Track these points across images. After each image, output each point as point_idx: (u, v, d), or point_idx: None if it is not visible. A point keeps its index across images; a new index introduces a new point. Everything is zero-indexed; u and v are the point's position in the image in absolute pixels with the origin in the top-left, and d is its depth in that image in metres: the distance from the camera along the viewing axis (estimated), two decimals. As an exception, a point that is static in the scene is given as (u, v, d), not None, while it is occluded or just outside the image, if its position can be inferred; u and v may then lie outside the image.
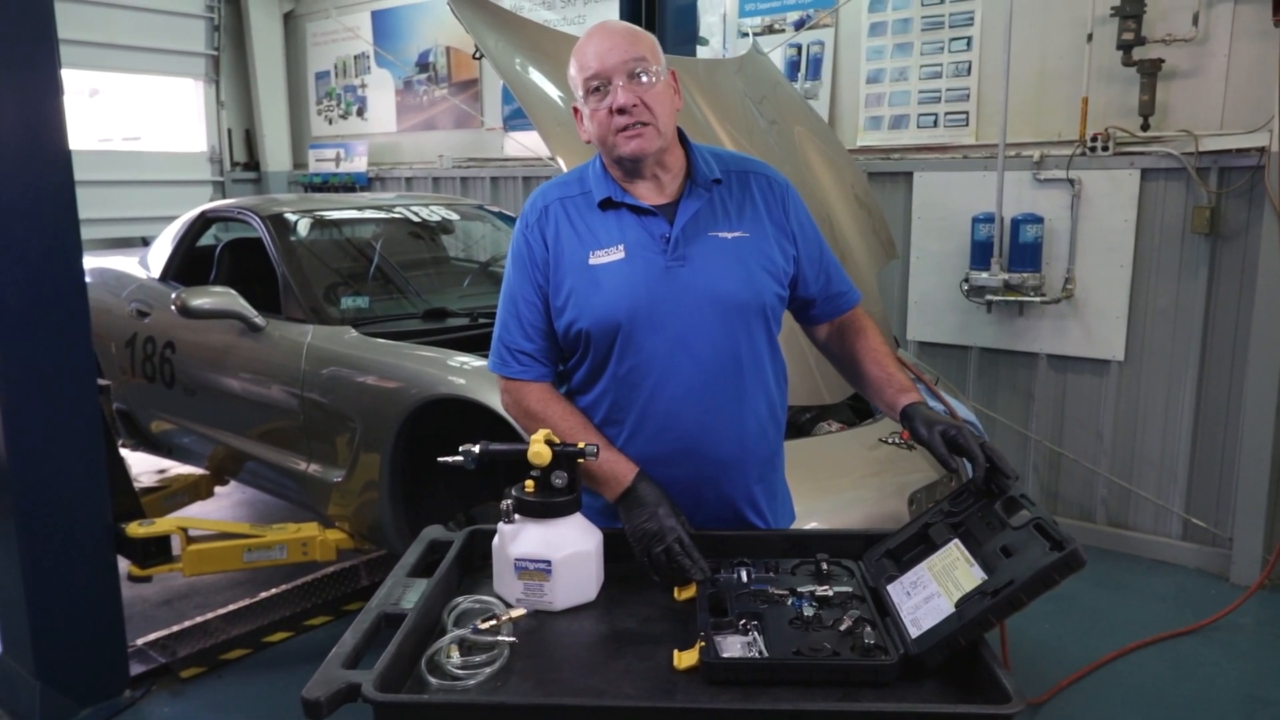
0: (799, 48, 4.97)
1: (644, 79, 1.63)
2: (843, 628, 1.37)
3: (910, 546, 1.56)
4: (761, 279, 1.70)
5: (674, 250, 1.66)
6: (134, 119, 7.45)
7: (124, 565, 3.26)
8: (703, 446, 1.70)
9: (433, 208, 4.64)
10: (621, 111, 1.62)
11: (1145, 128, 3.93)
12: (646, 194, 1.71)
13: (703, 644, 1.30)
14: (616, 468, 1.65)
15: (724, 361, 1.68)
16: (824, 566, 1.57)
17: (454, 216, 4.65)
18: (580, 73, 1.66)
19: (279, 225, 3.87)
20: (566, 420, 1.69)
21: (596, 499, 1.75)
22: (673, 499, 1.63)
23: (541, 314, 1.73)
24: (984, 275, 4.27)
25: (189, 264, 4.33)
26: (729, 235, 1.70)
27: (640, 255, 1.67)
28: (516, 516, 1.53)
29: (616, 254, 1.67)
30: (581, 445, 1.55)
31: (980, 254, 4.30)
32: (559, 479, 1.53)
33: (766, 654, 1.31)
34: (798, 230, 1.78)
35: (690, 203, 1.70)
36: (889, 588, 1.47)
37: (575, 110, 1.73)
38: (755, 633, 1.35)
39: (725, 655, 1.30)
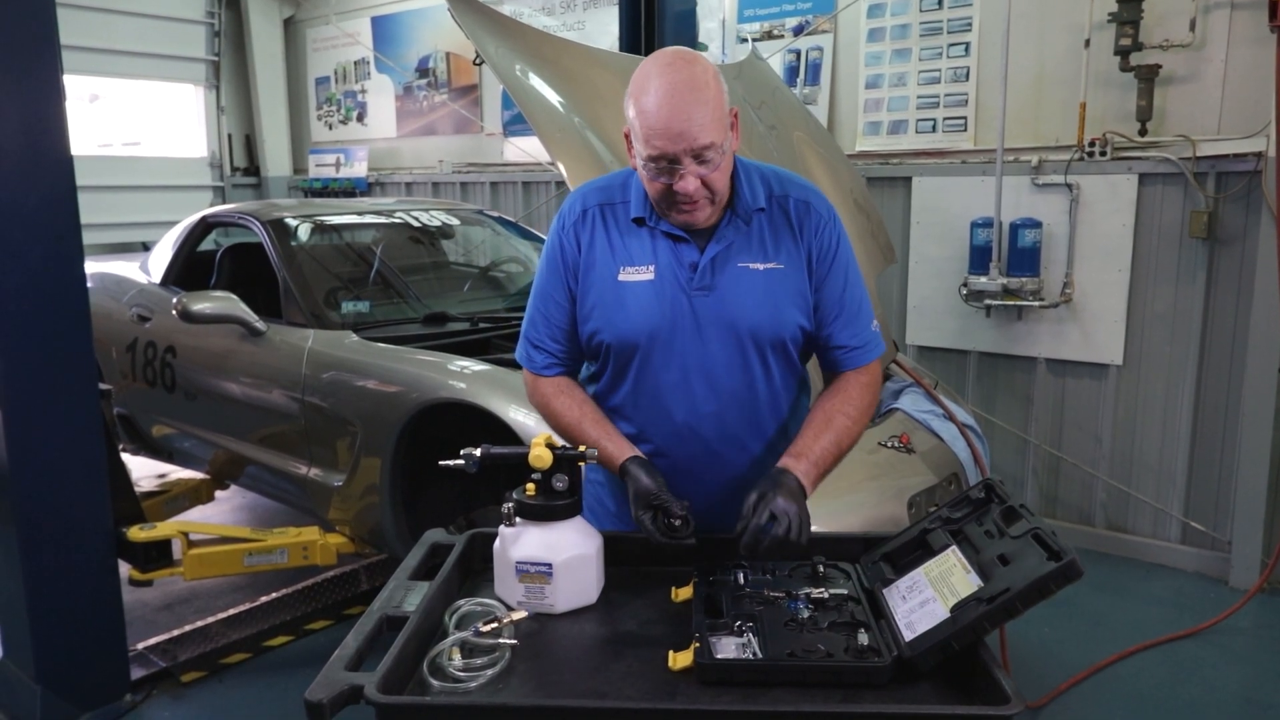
0: (798, 53, 4.99)
1: (710, 160, 1.54)
2: (837, 630, 1.37)
3: (908, 551, 1.57)
4: (788, 313, 1.67)
5: (700, 279, 1.65)
6: (134, 124, 7.46)
7: (125, 569, 3.26)
8: (713, 468, 1.72)
9: (433, 213, 4.66)
10: (683, 194, 1.56)
11: (1143, 133, 3.94)
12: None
13: (697, 645, 1.31)
14: (618, 450, 1.66)
15: (740, 393, 1.68)
16: (820, 569, 1.57)
17: (454, 221, 4.67)
18: (643, 145, 1.55)
19: (279, 230, 3.88)
20: (571, 411, 1.72)
21: (600, 504, 1.77)
22: (664, 479, 1.62)
23: (568, 315, 1.73)
24: (983, 280, 4.28)
25: (190, 269, 4.34)
26: (761, 267, 1.66)
27: (668, 279, 1.65)
28: (517, 520, 1.54)
29: (646, 274, 1.66)
30: (582, 449, 1.56)
31: (979, 258, 4.31)
32: (560, 482, 1.54)
33: (760, 655, 1.32)
34: (817, 265, 1.69)
35: (726, 232, 1.65)
36: (885, 591, 1.48)
37: (627, 135, 1.62)
38: (750, 634, 1.36)
39: (719, 656, 1.31)
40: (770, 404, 1.72)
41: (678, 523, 1.53)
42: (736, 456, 1.72)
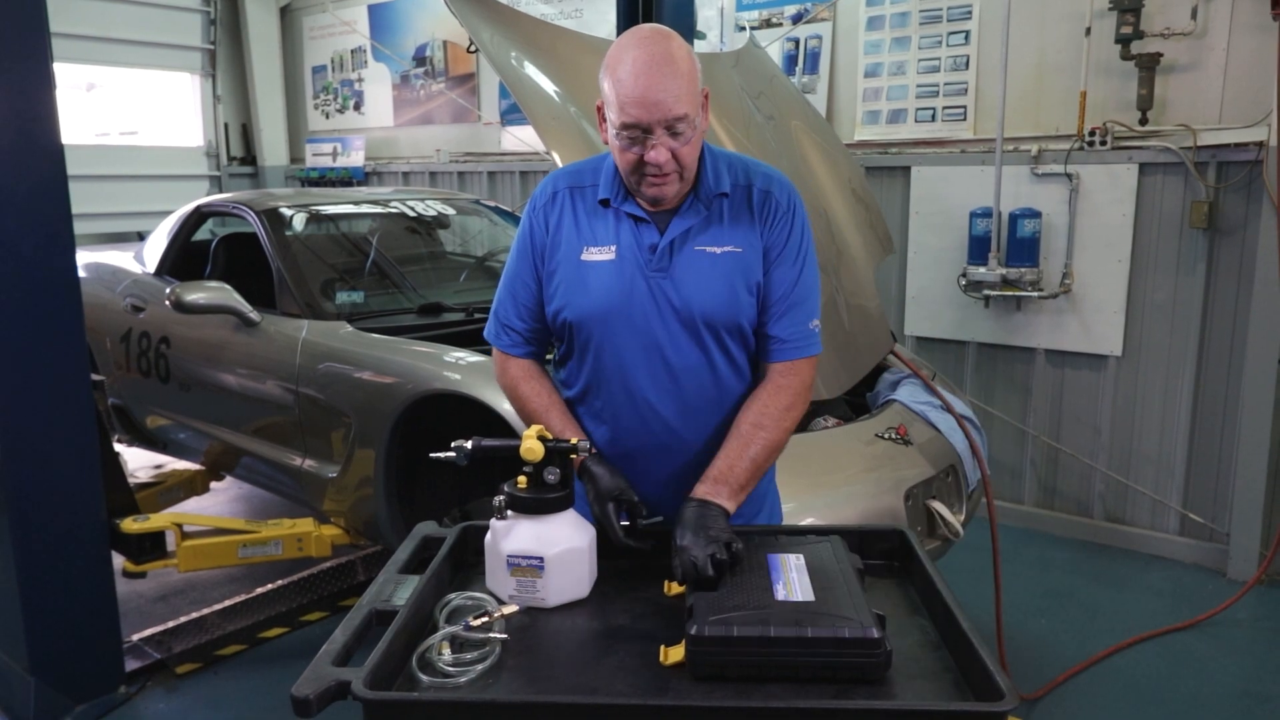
0: (796, 42, 4.96)
1: (682, 132, 1.58)
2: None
3: None
4: (742, 297, 1.69)
5: (658, 261, 1.68)
6: (131, 113, 7.42)
7: (119, 561, 3.25)
8: (676, 447, 1.73)
9: (429, 202, 4.63)
10: (654, 164, 1.59)
11: (1143, 122, 3.92)
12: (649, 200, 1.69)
13: (690, 640, 1.29)
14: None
15: (697, 371, 1.70)
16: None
17: (450, 211, 4.64)
18: (617, 114, 1.57)
19: (274, 220, 3.86)
20: (535, 399, 1.76)
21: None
22: (624, 476, 1.66)
23: (535, 296, 1.77)
24: (982, 270, 4.27)
25: (184, 259, 4.31)
26: (718, 250, 1.68)
27: (628, 260, 1.69)
28: (509, 513, 1.53)
29: (608, 254, 1.69)
30: (575, 441, 1.55)
31: (978, 249, 4.29)
32: (551, 475, 1.53)
33: (753, 650, 1.30)
34: (771, 254, 1.70)
35: (686, 216, 1.68)
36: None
37: (599, 109, 1.65)
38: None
39: (711, 651, 1.29)
40: (730, 384, 1.73)
41: (643, 521, 1.58)
42: (698, 437, 1.73)
